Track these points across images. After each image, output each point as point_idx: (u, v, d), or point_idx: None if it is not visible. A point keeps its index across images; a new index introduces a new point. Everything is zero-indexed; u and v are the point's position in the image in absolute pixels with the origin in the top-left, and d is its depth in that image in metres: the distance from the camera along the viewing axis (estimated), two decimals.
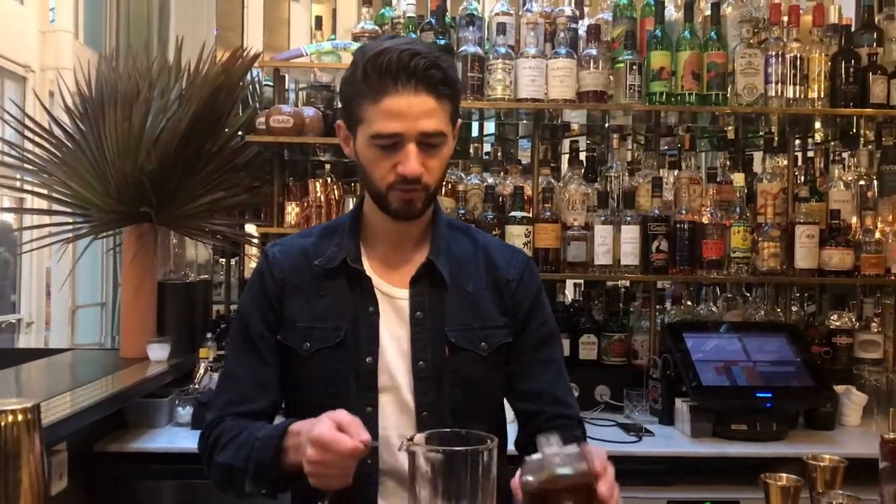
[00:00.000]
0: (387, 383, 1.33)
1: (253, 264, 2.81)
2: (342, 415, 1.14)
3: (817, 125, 2.96)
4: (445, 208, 2.62)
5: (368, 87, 1.25)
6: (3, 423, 0.89)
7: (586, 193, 2.72)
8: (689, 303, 2.93)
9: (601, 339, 2.76)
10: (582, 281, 3.00)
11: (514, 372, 1.41)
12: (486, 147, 3.25)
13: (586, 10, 2.84)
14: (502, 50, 2.62)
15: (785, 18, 2.68)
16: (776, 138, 3.01)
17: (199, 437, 1.36)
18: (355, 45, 2.60)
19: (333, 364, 1.33)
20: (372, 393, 1.32)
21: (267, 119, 2.64)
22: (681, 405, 2.45)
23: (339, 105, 1.52)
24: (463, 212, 2.67)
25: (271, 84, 2.95)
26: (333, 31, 3.73)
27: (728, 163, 2.88)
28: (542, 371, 1.41)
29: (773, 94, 2.61)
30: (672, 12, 2.78)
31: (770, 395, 2.39)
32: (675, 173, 2.86)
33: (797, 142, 3.01)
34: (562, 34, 2.67)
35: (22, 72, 4.77)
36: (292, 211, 2.73)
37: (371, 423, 1.29)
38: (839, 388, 2.54)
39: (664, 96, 2.63)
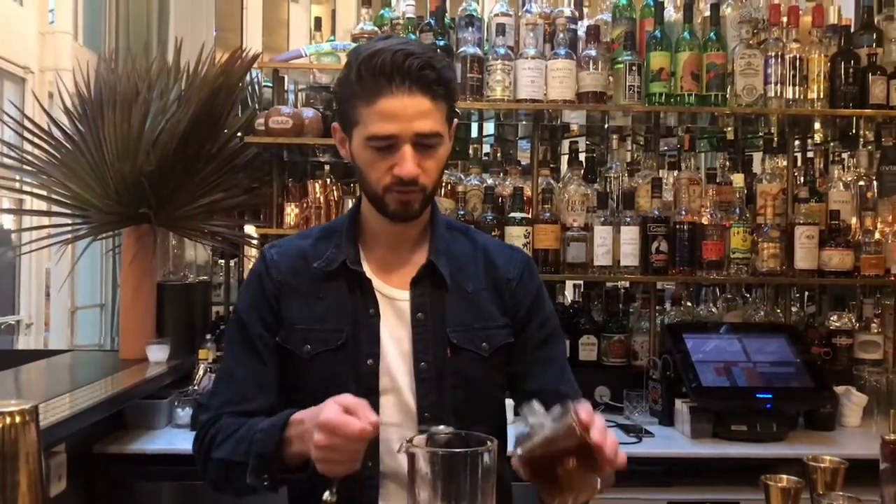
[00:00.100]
0: (388, 385, 1.32)
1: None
2: (348, 398, 1.12)
3: (817, 126, 2.96)
4: (445, 209, 2.62)
5: (363, 89, 1.25)
6: (0, 425, 0.89)
7: (586, 194, 2.72)
8: (689, 304, 2.93)
9: (601, 340, 2.76)
10: (581, 282, 3.00)
11: (517, 372, 1.41)
12: (486, 148, 3.25)
13: (585, 10, 2.84)
14: (501, 51, 2.62)
15: (784, 19, 2.68)
16: (776, 139, 3.01)
17: (194, 438, 1.35)
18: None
19: (334, 366, 1.32)
20: (373, 395, 1.31)
21: (266, 120, 2.64)
22: (681, 406, 2.45)
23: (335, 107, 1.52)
24: (462, 213, 2.67)
25: (270, 85, 2.95)
26: (333, 32, 3.74)
27: (727, 163, 2.88)
28: (544, 370, 1.41)
29: (773, 94, 2.61)
30: (671, 13, 2.78)
31: (770, 395, 2.39)
32: (675, 174, 2.86)
33: (797, 142, 3.01)
34: (561, 35, 2.67)
35: (21, 73, 4.76)
36: (291, 212, 2.73)
37: None
38: (839, 389, 2.54)
39: (663, 97, 2.63)
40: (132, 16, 3.94)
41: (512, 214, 2.63)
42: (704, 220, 2.64)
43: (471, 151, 3.03)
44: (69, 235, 2.73)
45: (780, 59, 2.60)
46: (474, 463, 0.95)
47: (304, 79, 2.98)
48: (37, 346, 4.10)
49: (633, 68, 2.62)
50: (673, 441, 2.38)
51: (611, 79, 2.67)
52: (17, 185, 2.95)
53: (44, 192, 2.74)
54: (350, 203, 2.68)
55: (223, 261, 3.21)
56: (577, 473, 1.01)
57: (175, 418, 2.42)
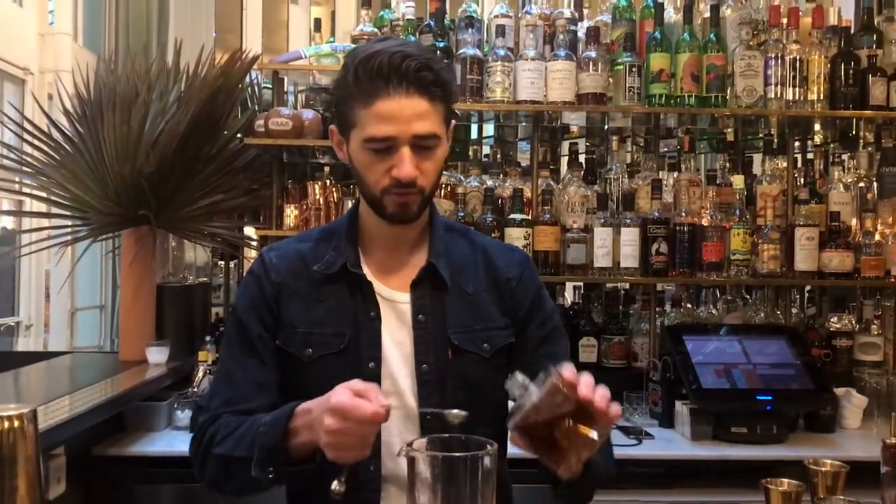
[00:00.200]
0: (389, 388, 1.32)
1: None
2: (357, 382, 1.11)
3: (817, 127, 2.96)
4: (444, 211, 2.62)
5: (360, 91, 1.24)
6: None
7: (586, 196, 2.72)
8: (689, 305, 2.93)
9: (601, 341, 2.76)
10: (581, 283, 3.00)
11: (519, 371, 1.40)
12: (486, 149, 3.24)
13: (585, 12, 2.84)
14: (501, 52, 2.61)
15: (784, 20, 2.68)
16: (776, 140, 3.01)
17: (191, 439, 1.34)
18: None
19: (335, 370, 1.31)
20: None
21: (266, 121, 2.64)
22: (681, 408, 2.45)
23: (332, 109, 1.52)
24: (462, 214, 2.66)
25: (270, 86, 2.95)
26: (332, 33, 3.73)
27: (728, 165, 2.88)
28: (546, 367, 1.41)
29: (773, 96, 2.61)
30: (671, 14, 2.78)
31: (770, 397, 2.38)
32: (675, 175, 2.86)
33: (797, 144, 3.01)
34: (561, 36, 2.67)
35: (21, 74, 4.77)
36: (291, 213, 2.73)
37: None
38: (839, 391, 2.53)
39: (663, 98, 2.63)
40: (132, 17, 3.93)
41: (512, 216, 2.63)
42: (704, 222, 2.64)
43: (470, 153, 3.02)
44: (69, 237, 2.73)
45: (780, 61, 2.60)
46: (474, 467, 0.94)
47: (303, 80, 2.98)
48: (36, 348, 4.10)
49: (633, 69, 2.62)
50: (673, 443, 2.38)
51: (611, 80, 2.67)
52: (17, 186, 2.95)
53: (43, 194, 2.74)
54: (350, 204, 2.69)
55: (223, 262, 3.21)
56: (573, 431, 1.02)
57: (175, 420, 2.42)
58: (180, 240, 2.85)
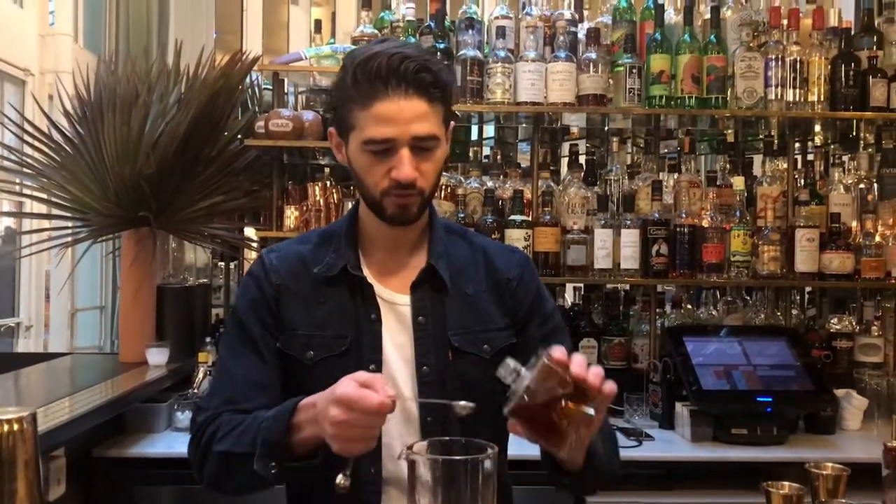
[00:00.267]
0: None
1: None
2: (362, 374, 1.10)
3: (817, 128, 2.96)
4: (445, 212, 2.62)
5: (358, 93, 1.24)
6: None
7: (586, 197, 2.72)
8: (690, 306, 2.92)
9: (601, 342, 2.76)
10: (582, 285, 3.00)
11: None
12: (486, 150, 3.24)
13: (586, 13, 2.84)
14: (502, 53, 2.61)
15: (785, 22, 2.68)
16: (776, 141, 3.01)
17: (190, 438, 1.33)
18: None
19: (336, 372, 1.30)
20: None
21: (266, 123, 2.64)
22: (681, 409, 2.45)
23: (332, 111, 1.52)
24: (462, 215, 2.66)
25: (270, 88, 2.95)
26: (333, 34, 3.72)
27: (728, 166, 2.87)
28: None
29: (773, 97, 2.61)
30: (672, 16, 2.78)
31: (770, 399, 2.38)
32: (675, 177, 2.86)
33: (797, 145, 3.01)
34: (561, 38, 2.67)
35: (21, 75, 4.77)
36: (291, 215, 2.73)
37: None
38: (839, 392, 2.53)
39: (664, 100, 2.63)
40: (132, 18, 3.93)
41: (512, 217, 2.63)
42: (705, 223, 2.64)
43: (471, 154, 3.02)
44: (69, 238, 2.73)
45: (780, 62, 2.60)
46: (475, 470, 0.94)
47: (304, 81, 2.98)
48: (36, 349, 4.10)
49: (634, 71, 2.62)
50: (673, 444, 2.38)
51: (611, 81, 2.67)
52: (17, 187, 2.95)
53: (44, 195, 2.74)
54: (350, 206, 2.69)
55: (223, 263, 3.21)
56: (570, 411, 1.02)
57: (175, 422, 2.42)
58: (180, 241, 2.85)
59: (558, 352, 1.04)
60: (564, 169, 3.20)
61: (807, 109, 2.64)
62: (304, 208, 2.72)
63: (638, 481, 2.19)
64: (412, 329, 1.34)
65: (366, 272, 1.36)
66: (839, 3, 3.22)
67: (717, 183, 2.75)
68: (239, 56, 2.78)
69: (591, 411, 1.03)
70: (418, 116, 1.24)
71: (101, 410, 2.02)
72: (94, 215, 2.64)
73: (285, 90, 2.88)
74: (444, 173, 2.69)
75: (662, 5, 2.69)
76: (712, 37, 2.64)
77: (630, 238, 2.59)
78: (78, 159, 2.63)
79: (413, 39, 2.69)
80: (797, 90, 2.61)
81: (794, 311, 2.91)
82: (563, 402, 1.02)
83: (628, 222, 2.61)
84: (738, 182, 2.74)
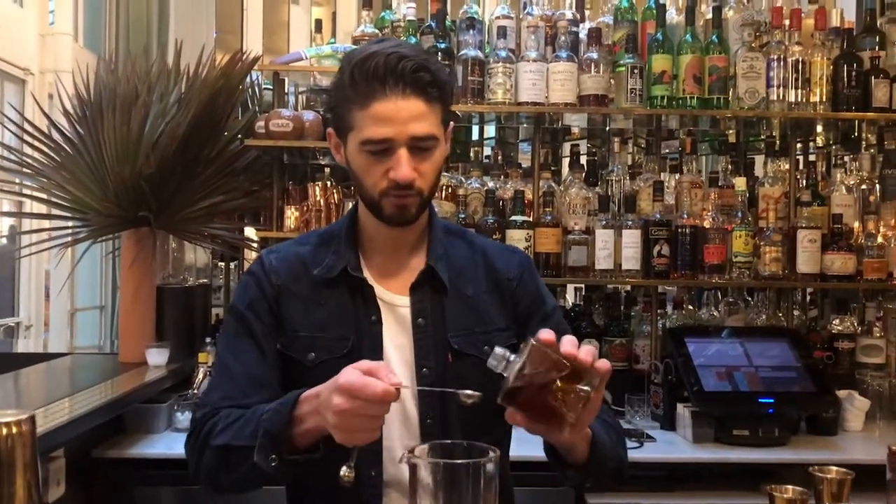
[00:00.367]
0: None
1: None
2: (366, 362, 1.08)
3: (819, 129, 2.95)
4: (445, 212, 2.61)
5: (356, 93, 1.23)
6: None
7: (587, 197, 2.71)
8: (691, 307, 2.92)
9: (602, 343, 2.75)
10: (583, 285, 2.99)
11: None
12: (487, 151, 3.24)
13: (587, 13, 2.83)
14: (503, 53, 2.61)
15: (786, 22, 2.67)
16: (778, 142, 3.00)
17: (188, 435, 1.30)
18: None
19: (337, 374, 1.31)
20: None
21: (266, 123, 2.63)
22: (682, 410, 2.44)
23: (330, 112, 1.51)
24: (463, 216, 2.66)
25: (271, 88, 2.94)
26: (333, 34, 3.72)
27: (729, 167, 2.87)
28: None
29: (775, 97, 2.60)
30: (673, 16, 2.77)
31: (772, 400, 2.38)
32: (677, 177, 2.85)
33: (799, 145, 3.00)
34: (562, 38, 2.66)
35: (21, 74, 4.77)
36: (292, 215, 2.73)
37: None
38: (841, 393, 2.52)
39: (665, 100, 2.62)
40: (132, 18, 3.93)
41: (513, 218, 2.62)
42: (706, 224, 2.63)
43: (472, 154, 3.02)
44: (69, 238, 2.72)
45: (782, 62, 2.59)
46: (476, 473, 0.94)
47: (304, 81, 2.97)
48: (36, 349, 4.10)
49: (635, 71, 2.61)
50: (674, 446, 2.37)
51: (612, 82, 2.66)
52: (17, 187, 2.94)
53: (43, 195, 2.73)
54: (350, 206, 2.68)
55: (223, 264, 3.21)
56: (566, 392, 1.02)
57: (175, 422, 2.41)
58: (180, 241, 2.84)
59: (546, 333, 1.04)
60: (566, 169, 3.19)
61: (809, 110, 2.63)
62: (305, 208, 2.72)
63: (639, 482, 2.19)
64: (412, 331, 1.33)
65: (366, 273, 1.36)
66: (841, 3, 3.21)
67: (719, 183, 2.75)
68: (239, 56, 2.77)
69: (588, 388, 1.03)
70: (416, 116, 1.23)
71: (101, 411, 2.01)
72: (93, 215, 2.64)
73: (286, 90, 2.88)
74: (444, 174, 2.70)
75: (664, 5, 2.69)
76: (714, 37, 2.63)
77: (631, 239, 2.59)
78: (78, 159, 2.62)
79: (414, 39, 2.68)
80: (799, 91, 2.61)
81: (796, 312, 2.91)
82: (554, 384, 1.01)
83: (629, 223, 2.61)
84: (740, 183, 2.74)
